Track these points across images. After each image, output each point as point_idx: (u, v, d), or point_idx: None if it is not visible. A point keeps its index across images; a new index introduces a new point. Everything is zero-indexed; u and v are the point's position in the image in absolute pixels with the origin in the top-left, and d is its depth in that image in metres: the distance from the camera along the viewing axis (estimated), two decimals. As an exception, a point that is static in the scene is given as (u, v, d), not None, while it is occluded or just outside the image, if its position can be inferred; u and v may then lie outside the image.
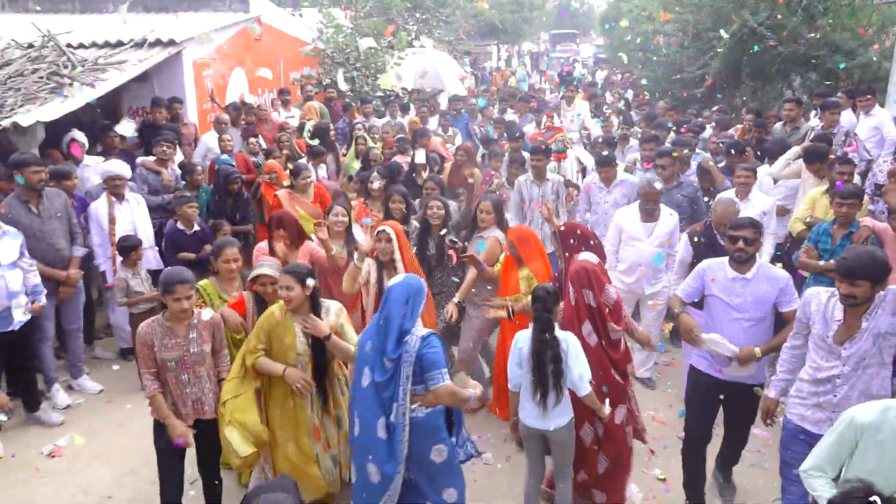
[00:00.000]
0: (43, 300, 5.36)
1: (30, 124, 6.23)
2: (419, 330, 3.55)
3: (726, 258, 4.20)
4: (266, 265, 4.43)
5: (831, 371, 3.41)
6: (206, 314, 4.10)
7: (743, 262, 4.09)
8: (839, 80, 12.14)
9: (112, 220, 6.16)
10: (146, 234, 6.37)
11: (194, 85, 9.52)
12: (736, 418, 4.39)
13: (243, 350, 4.08)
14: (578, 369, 3.84)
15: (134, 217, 6.34)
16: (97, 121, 8.40)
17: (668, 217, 5.77)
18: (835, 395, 3.42)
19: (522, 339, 3.98)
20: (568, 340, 3.88)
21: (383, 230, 4.81)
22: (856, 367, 3.36)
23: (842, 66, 10.91)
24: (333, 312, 4.18)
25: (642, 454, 4.99)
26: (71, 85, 6.88)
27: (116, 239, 6.04)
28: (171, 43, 8.72)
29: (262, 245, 5.38)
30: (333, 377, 4.30)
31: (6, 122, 6.09)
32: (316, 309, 4.08)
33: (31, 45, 7.50)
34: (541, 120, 10.05)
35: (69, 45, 7.91)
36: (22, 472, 5.04)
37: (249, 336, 4.14)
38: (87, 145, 7.11)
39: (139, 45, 8.64)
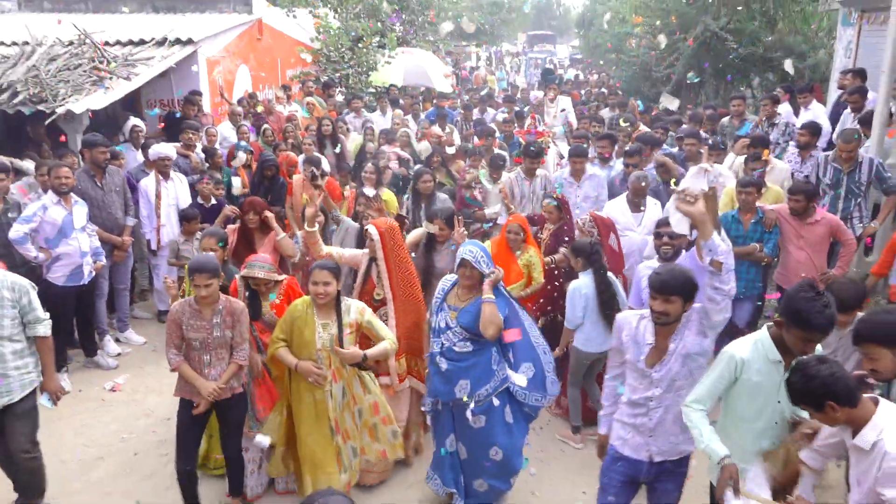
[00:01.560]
0: (104, 260, 6.29)
1: (80, 112, 7.14)
2: None
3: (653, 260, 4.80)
4: (258, 266, 4.43)
5: (645, 394, 3.38)
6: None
7: (669, 257, 4.49)
8: (794, 79, 13.36)
9: (158, 196, 7.07)
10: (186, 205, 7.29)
11: (207, 80, 10.45)
12: None
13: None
14: (624, 300, 5.06)
15: (177, 193, 7.26)
16: (118, 113, 9.31)
17: (654, 206, 6.19)
18: (650, 419, 3.40)
19: (583, 285, 5.05)
20: (615, 280, 5.10)
21: (368, 230, 4.81)
22: (667, 389, 3.33)
23: (790, 67, 12.06)
24: (355, 310, 4.24)
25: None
26: (111, 78, 7.79)
27: (161, 211, 6.96)
28: (189, 42, 9.64)
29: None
30: (353, 374, 4.37)
31: (61, 110, 7.00)
32: (339, 306, 4.20)
33: (71, 43, 8.37)
34: (523, 117, 10.74)
35: (107, 43, 8.80)
36: (90, 403, 5.98)
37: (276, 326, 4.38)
38: (145, 130, 8.18)
39: (160, 43, 9.54)
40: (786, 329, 3.05)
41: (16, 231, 5.61)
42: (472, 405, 4.16)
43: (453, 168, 8.40)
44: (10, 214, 5.84)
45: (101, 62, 8.19)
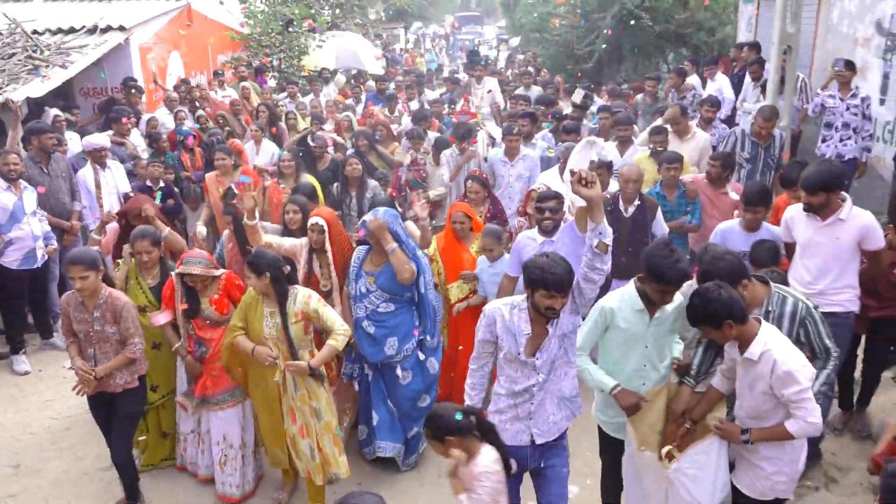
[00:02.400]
0: (55, 244, 6.47)
1: (19, 101, 7.23)
2: None
3: (535, 229, 4.79)
4: (193, 262, 4.32)
5: (527, 383, 3.36)
6: (161, 318, 4.43)
7: (550, 231, 4.61)
8: (704, 53, 14.24)
9: (97, 185, 7.22)
10: (124, 192, 7.47)
11: (141, 67, 10.52)
12: None
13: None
14: None
15: (116, 181, 7.42)
16: (49, 101, 9.32)
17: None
18: (532, 404, 3.40)
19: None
20: None
21: (315, 222, 4.72)
22: (549, 373, 3.36)
23: (702, 41, 12.91)
24: (300, 299, 4.12)
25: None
26: (47, 67, 7.87)
27: (103, 202, 7.12)
28: (121, 28, 9.70)
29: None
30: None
31: (0, 99, 7.08)
32: (282, 297, 4.09)
33: (0, 33, 8.38)
34: (454, 101, 10.80)
35: (36, 31, 8.82)
36: (51, 381, 6.20)
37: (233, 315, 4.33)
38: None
39: (91, 31, 9.58)
40: (646, 283, 3.40)
41: (-34, 217, 5.77)
42: (400, 363, 4.58)
43: (390, 150, 8.32)
44: (-41, 203, 5.98)
45: (33, 51, 8.24)
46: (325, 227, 4.68)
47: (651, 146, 6.58)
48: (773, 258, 4.27)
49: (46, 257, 6.36)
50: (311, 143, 7.91)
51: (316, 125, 9.34)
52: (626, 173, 5.20)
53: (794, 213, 4.37)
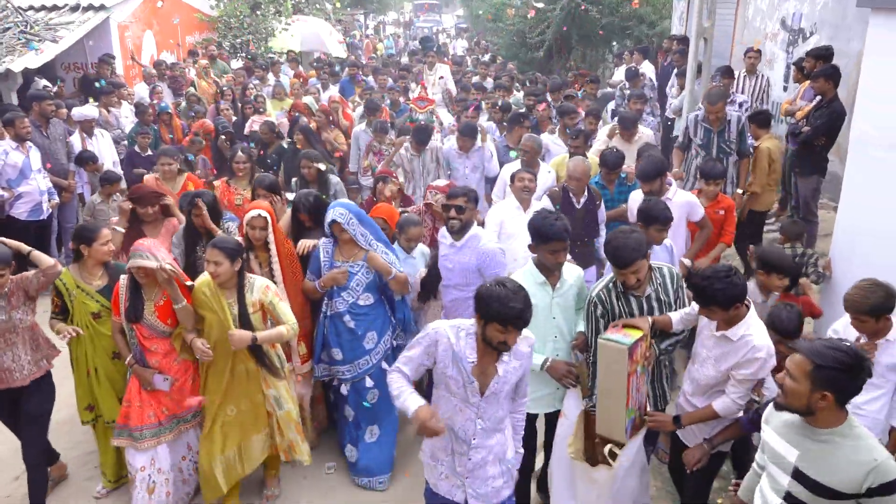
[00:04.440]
0: (57, 198, 7.25)
1: (18, 71, 7.94)
2: None
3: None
4: (140, 255, 3.87)
5: (464, 425, 3.07)
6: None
7: (457, 230, 4.28)
8: (646, 45, 15.42)
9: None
10: (112, 159, 8.23)
11: (119, 45, 11.19)
12: None
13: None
14: None
15: (101, 148, 8.16)
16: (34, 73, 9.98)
17: (547, 174, 6.18)
18: (469, 458, 3.11)
19: None
20: None
21: (258, 215, 4.39)
22: (493, 423, 3.09)
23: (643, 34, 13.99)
24: (258, 289, 4.00)
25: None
26: (39, 41, 8.56)
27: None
28: (102, 7, 10.38)
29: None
30: (264, 355, 4.09)
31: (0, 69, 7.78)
32: (241, 285, 3.97)
33: (-7, 8, 9.03)
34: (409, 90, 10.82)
35: (20, 9, 9.46)
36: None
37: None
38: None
39: (73, 8, 10.24)
40: (536, 249, 3.61)
41: (-18, 173, 6.52)
42: (368, 383, 4.52)
43: (331, 137, 8.25)
44: (-29, 162, 6.71)
45: (24, 26, 8.90)
46: (269, 218, 4.41)
47: (571, 150, 6.49)
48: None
49: (51, 210, 7.12)
50: (253, 129, 8.04)
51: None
52: (571, 171, 5.28)
53: (637, 198, 5.05)
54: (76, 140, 7.94)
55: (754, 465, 2.85)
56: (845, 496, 2.39)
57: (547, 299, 3.63)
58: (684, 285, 3.65)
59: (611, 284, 3.57)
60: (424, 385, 4.72)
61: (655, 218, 4.16)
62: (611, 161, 5.73)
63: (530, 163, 6.04)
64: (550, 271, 3.64)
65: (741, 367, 3.22)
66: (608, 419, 3.38)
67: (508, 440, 3.17)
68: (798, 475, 2.48)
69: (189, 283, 4.06)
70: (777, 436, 2.60)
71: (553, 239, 3.50)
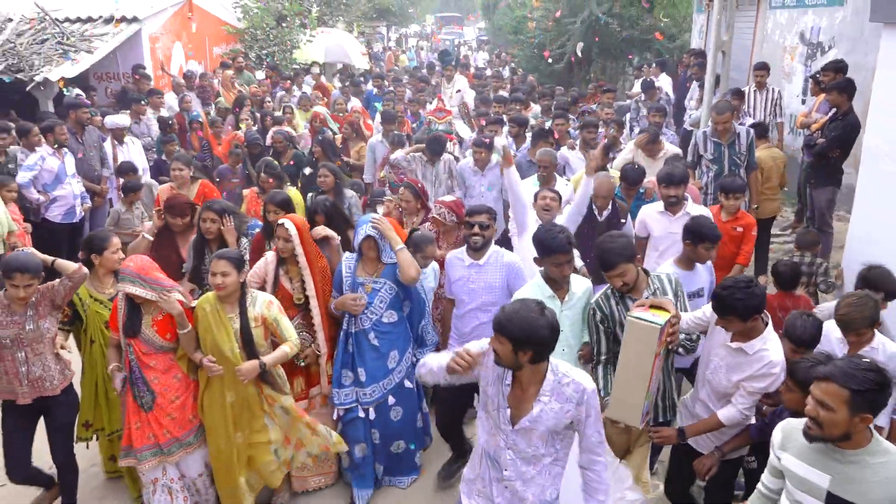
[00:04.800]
0: (89, 202, 7.52)
1: (54, 80, 8.25)
2: None
3: (463, 249, 4.38)
4: (128, 280, 3.75)
5: (497, 450, 2.90)
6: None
7: (479, 248, 4.23)
8: (667, 58, 15.54)
9: (115, 159, 8.20)
10: (143, 166, 8.48)
11: (150, 56, 11.53)
12: None
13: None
14: None
15: (131, 156, 8.41)
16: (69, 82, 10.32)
17: (564, 186, 6.01)
18: (504, 487, 2.97)
19: None
20: None
21: (282, 225, 4.31)
22: (523, 456, 2.88)
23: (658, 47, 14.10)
24: (261, 303, 3.96)
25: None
26: (75, 51, 8.88)
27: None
28: (135, 20, 10.71)
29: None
30: (268, 374, 4.02)
31: (38, 78, 8.11)
32: (244, 298, 3.93)
33: (32, 20, 9.37)
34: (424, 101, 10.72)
35: (57, 20, 9.82)
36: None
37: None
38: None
39: (107, 21, 10.58)
40: (542, 262, 3.63)
41: (22, 177, 6.78)
42: (391, 401, 4.42)
43: (355, 150, 8.28)
44: (9, 166, 6.98)
45: (61, 38, 9.23)
46: (294, 231, 4.28)
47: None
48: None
49: (84, 214, 7.39)
50: (271, 139, 8.04)
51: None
52: (597, 188, 5.15)
53: (649, 211, 5.09)
54: (108, 147, 8.22)
55: (761, 487, 2.80)
56: None
57: (556, 313, 3.39)
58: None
59: (609, 291, 3.61)
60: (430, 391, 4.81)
61: (705, 236, 4.04)
62: (631, 177, 5.76)
63: (548, 178, 5.99)
64: (559, 284, 3.66)
65: (754, 381, 3.24)
66: (624, 401, 3.26)
67: (560, 489, 2.89)
68: (833, 500, 2.44)
69: (192, 304, 4.01)
70: (802, 463, 2.54)
71: (556, 251, 3.52)
